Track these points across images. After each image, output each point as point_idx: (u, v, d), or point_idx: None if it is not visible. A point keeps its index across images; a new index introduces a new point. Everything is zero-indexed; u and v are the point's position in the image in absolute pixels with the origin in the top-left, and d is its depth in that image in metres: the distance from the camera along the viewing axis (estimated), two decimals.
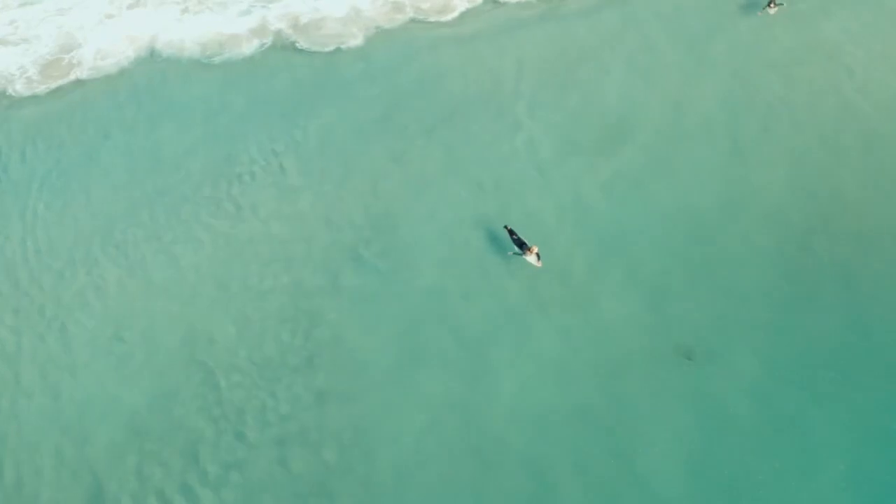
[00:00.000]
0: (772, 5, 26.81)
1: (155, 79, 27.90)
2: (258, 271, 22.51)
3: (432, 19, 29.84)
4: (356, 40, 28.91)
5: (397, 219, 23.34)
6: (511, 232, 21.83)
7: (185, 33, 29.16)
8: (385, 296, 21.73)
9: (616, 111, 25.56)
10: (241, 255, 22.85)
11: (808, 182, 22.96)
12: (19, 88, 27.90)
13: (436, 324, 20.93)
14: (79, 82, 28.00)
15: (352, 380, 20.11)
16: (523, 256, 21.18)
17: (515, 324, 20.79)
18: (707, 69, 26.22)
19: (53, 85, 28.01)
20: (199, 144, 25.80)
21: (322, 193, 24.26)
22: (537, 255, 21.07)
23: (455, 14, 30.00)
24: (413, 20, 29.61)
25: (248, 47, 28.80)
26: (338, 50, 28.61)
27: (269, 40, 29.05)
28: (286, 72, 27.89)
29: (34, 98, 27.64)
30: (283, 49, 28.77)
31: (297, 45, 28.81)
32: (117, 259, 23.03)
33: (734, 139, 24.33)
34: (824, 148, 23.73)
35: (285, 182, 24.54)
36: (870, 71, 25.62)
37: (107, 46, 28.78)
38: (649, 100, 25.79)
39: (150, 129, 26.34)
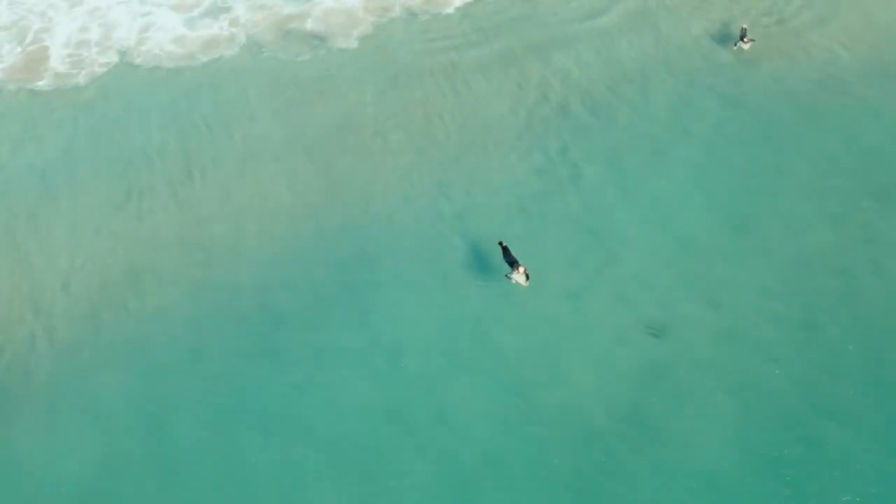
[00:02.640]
0: (745, 40, 25.95)
1: (121, 83, 26.78)
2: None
3: (423, 18, 28.57)
4: (345, 41, 27.70)
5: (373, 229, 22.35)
6: (505, 249, 20.79)
7: (159, 36, 28.13)
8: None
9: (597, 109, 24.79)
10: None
11: None
12: None
13: None
14: (36, 90, 26.88)
15: None
16: (511, 275, 20.28)
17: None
18: None
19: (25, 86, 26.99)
20: (158, 155, 24.57)
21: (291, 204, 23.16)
22: (525, 274, 20.24)
23: (450, 9, 28.77)
24: (401, 18, 28.60)
25: (222, 50, 27.62)
26: (319, 50, 27.55)
27: (244, 41, 27.95)
28: (264, 75, 26.83)
29: None
30: (259, 51, 27.70)
31: (275, 45, 27.80)
32: None
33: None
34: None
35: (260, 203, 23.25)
36: None
37: (74, 48, 27.71)
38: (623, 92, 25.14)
39: (110, 135, 25.23)
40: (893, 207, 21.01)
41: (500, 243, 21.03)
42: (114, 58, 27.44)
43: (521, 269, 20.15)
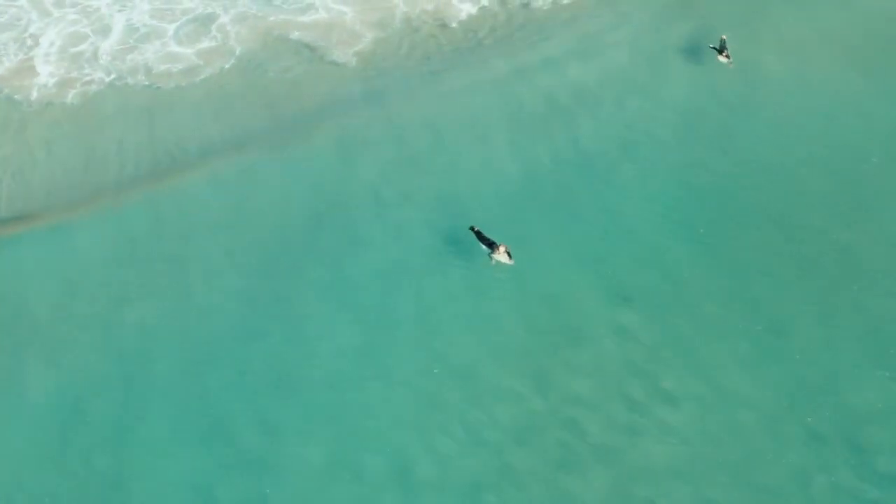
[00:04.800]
0: (723, 53, 24.94)
1: (107, 101, 26.22)
2: None
3: (424, 31, 27.88)
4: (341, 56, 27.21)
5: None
6: (478, 234, 20.55)
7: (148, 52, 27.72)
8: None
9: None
10: None
11: None
12: None
13: None
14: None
15: None
16: (493, 256, 20.13)
17: None
18: None
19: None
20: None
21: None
22: (508, 252, 20.03)
23: (454, 24, 28.23)
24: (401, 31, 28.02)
25: (212, 67, 26.90)
26: (311, 64, 27.06)
27: (234, 58, 27.34)
28: (255, 92, 26.27)
29: None
30: (251, 67, 27.11)
31: (267, 60, 27.28)
32: None
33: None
34: None
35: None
36: None
37: (61, 63, 27.27)
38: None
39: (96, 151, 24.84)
40: None
41: (472, 228, 20.64)
42: (101, 74, 27.00)
43: (503, 249, 19.90)
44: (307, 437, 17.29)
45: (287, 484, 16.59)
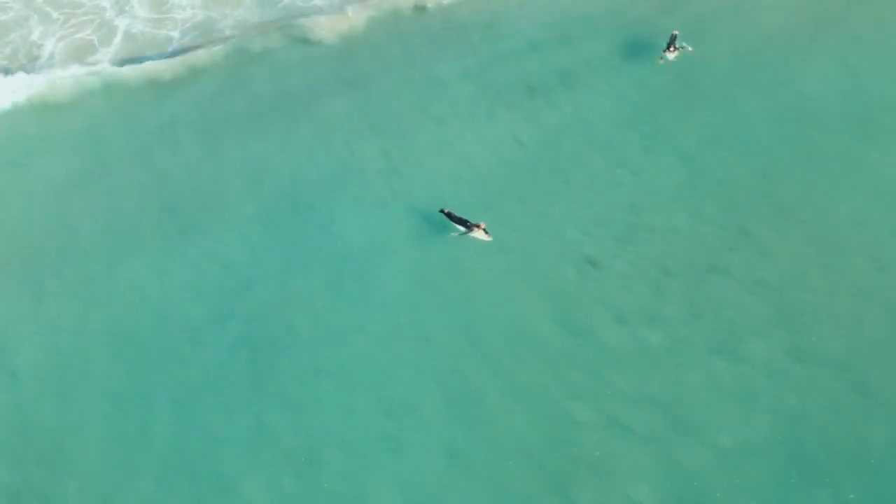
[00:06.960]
0: (671, 49, 24.62)
1: (107, 100, 26.95)
2: None
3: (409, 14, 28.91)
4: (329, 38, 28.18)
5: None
6: (449, 215, 20.96)
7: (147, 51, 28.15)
8: None
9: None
10: None
11: None
12: None
13: None
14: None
15: None
16: (470, 235, 20.50)
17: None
18: None
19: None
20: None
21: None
22: (485, 230, 20.43)
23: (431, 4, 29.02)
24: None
25: (205, 64, 27.51)
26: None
27: (229, 49, 27.97)
28: (248, 84, 27.26)
29: None
30: (243, 62, 27.87)
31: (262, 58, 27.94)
32: None
33: None
34: None
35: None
36: None
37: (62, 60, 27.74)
38: None
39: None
40: None
41: (442, 210, 21.13)
42: (98, 78, 27.53)
43: (482, 226, 20.40)
44: None
45: None
